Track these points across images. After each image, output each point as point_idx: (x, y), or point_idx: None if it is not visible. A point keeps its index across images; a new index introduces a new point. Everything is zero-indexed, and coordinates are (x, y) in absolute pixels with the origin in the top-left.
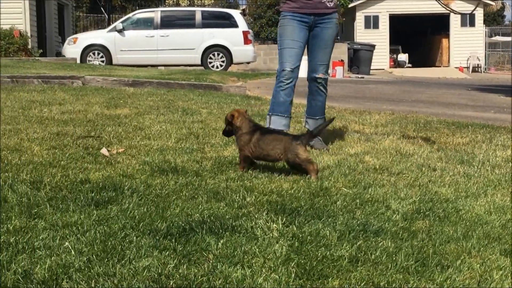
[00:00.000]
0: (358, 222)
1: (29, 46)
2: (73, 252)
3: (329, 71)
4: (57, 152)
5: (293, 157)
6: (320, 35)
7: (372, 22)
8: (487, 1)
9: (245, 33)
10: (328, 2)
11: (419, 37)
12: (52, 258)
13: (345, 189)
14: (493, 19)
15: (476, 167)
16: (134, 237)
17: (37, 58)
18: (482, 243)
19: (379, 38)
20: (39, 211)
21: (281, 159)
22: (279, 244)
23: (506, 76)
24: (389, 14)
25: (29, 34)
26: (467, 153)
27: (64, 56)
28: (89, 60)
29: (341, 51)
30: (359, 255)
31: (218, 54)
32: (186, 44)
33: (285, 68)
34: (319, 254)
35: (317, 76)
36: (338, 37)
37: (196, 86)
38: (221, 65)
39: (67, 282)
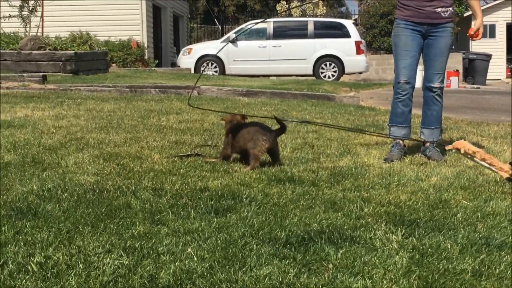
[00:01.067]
0: (480, 235)
1: (146, 57)
2: (195, 258)
3: (444, 80)
4: (176, 160)
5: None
6: (435, 44)
7: (488, 31)
8: None
9: (357, 43)
10: (443, 12)
11: None
12: (176, 263)
13: (465, 202)
14: None
15: None
16: (254, 245)
17: (153, 68)
18: None
19: (496, 48)
20: (161, 218)
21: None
22: (399, 256)
23: None
24: (507, 23)
25: (145, 45)
26: None
27: (179, 66)
28: (202, 70)
29: (455, 61)
30: (483, 269)
31: (330, 64)
32: (298, 54)
33: (400, 80)
34: (441, 267)
35: (432, 85)
36: (453, 47)
37: (309, 96)
38: (333, 75)
39: (191, 287)
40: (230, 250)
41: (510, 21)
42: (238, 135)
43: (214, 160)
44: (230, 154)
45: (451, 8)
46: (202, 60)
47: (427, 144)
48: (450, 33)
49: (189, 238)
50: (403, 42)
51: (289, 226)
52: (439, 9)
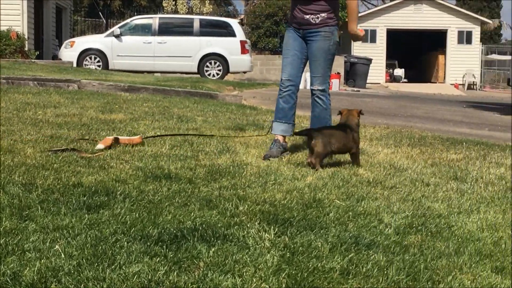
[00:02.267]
0: (350, 234)
1: (26, 48)
2: (63, 256)
3: (325, 83)
4: (50, 154)
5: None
6: (310, 48)
7: (369, 36)
8: (484, 19)
9: (242, 43)
10: (313, 18)
11: (415, 53)
12: (42, 261)
13: (338, 201)
14: (490, 37)
15: (469, 183)
16: (125, 242)
17: (33, 60)
18: (474, 259)
19: (376, 52)
20: (30, 213)
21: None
22: (270, 254)
23: (501, 94)
24: (387, 29)
25: (26, 36)
26: (461, 170)
27: (60, 59)
28: (85, 64)
29: (337, 64)
30: (351, 268)
31: (215, 63)
32: (183, 52)
33: (282, 77)
34: (310, 265)
35: (312, 88)
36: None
37: (192, 93)
38: (217, 74)
39: (56, 285)
40: (100, 247)
41: (390, 27)
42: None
43: (90, 155)
44: None
45: (324, 14)
46: (85, 53)
47: None
48: (326, 37)
49: (57, 235)
50: (286, 42)
51: (162, 223)
52: (307, 16)
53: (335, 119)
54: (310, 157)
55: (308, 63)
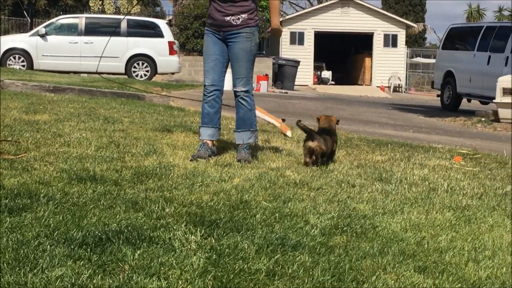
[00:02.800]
0: (277, 236)
1: None
2: None
3: (249, 84)
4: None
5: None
6: (231, 49)
7: (297, 38)
8: (409, 23)
9: (170, 44)
10: (234, 20)
11: (343, 55)
12: None
13: (265, 203)
14: (415, 41)
15: (394, 184)
16: (48, 246)
17: None
18: (397, 259)
19: (304, 55)
20: None
21: None
22: (196, 256)
23: (426, 96)
24: (315, 31)
25: None
26: (386, 171)
27: None
28: (9, 64)
29: (266, 65)
30: (277, 269)
31: (143, 64)
32: (111, 52)
33: (205, 83)
34: (237, 267)
35: (235, 89)
36: (263, 52)
37: (119, 94)
38: (145, 75)
39: None
40: (22, 251)
41: (318, 29)
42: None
43: (12, 157)
44: None
45: (245, 15)
46: (8, 53)
47: (239, 146)
48: (247, 38)
49: None
50: (206, 47)
51: (87, 226)
52: (228, 18)
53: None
54: (307, 157)
55: (230, 65)
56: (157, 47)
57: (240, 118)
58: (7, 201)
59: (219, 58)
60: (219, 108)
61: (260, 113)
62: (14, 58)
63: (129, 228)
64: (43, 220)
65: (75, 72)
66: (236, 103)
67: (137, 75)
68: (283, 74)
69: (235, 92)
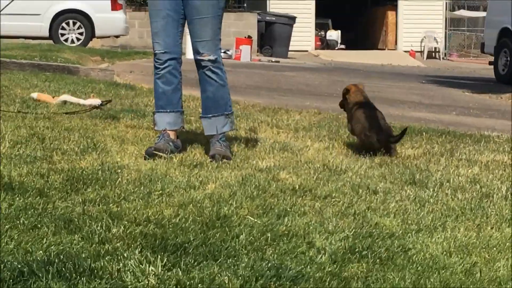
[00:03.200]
0: (269, 264)
1: None
2: None
3: (217, 50)
4: None
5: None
6: (189, 3)
7: None
8: None
9: None
10: None
11: (356, 9)
12: None
13: (252, 218)
14: None
15: (431, 189)
16: None
17: None
18: None
19: (302, 8)
20: None
21: None
22: None
23: (473, 64)
24: None
25: None
26: (420, 170)
27: None
28: None
29: (248, 24)
30: None
31: (74, 23)
32: (28, 8)
33: (155, 50)
34: None
35: (199, 58)
36: (243, 5)
37: (42, 67)
38: (78, 39)
39: None
40: None
41: None
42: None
43: None
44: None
45: None
46: None
47: (211, 139)
48: None
49: None
50: (151, 3)
51: (1, 255)
52: None
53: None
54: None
55: (187, 25)
56: (94, 1)
57: (209, 99)
58: None
59: (171, 15)
60: (178, 83)
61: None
62: None
63: (61, 256)
64: None
65: None
66: (201, 78)
67: (66, 40)
68: (273, 35)
69: (198, 62)
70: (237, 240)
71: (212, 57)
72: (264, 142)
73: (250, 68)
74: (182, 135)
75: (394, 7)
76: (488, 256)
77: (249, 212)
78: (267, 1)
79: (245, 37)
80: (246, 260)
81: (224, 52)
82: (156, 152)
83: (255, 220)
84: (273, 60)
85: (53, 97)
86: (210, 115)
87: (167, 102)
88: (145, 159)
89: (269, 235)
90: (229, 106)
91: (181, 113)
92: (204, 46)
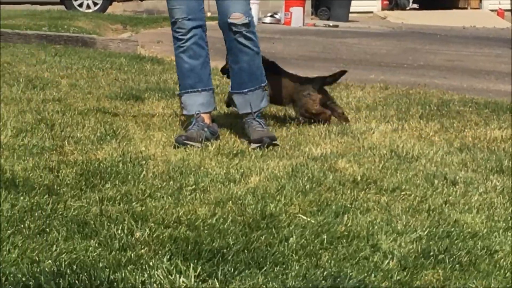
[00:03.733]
0: (325, 273)
1: None
2: None
3: (251, 10)
4: None
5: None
6: None
7: None
8: None
9: None
10: None
11: None
12: None
13: (304, 217)
14: None
15: None
16: None
17: None
18: None
19: None
20: None
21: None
22: None
23: None
24: None
25: None
26: (509, 156)
27: None
28: None
29: None
30: None
31: None
32: None
33: (176, 17)
34: None
35: (230, 20)
36: None
37: (51, 38)
38: (95, 4)
39: None
40: None
41: None
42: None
43: None
44: None
45: None
46: None
47: (246, 118)
48: None
49: None
50: None
51: (3, 265)
52: None
53: None
54: None
55: None
56: None
57: (243, 71)
58: None
59: None
60: (206, 56)
61: None
62: None
63: (74, 267)
64: None
65: None
66: (231, 46)
67: (81, 5)
68: None
69: (228, 26)
70: (286, 243)
71: (246, 20)
72: (319, 125)
73: (303, 35)
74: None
75: None
76: None
77: (301, 210)
78: None
79: None
80: (297, 267)
81: (271, 16)
82: (188, 142)
83: (308, 219)
84: (331, 25)
85: None
86: (246, 90)
87: (197, 79)
88: (175, 148)
89: (324, 237)
90: (264, 76)
91: (213, 91)
92: (235, 4)
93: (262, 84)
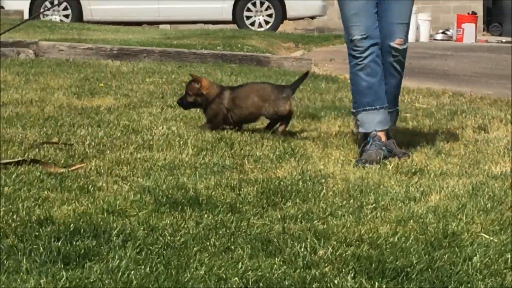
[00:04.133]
0: None
1: None
2: None
3: (408, 36)
4: None
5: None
6: None
7: None
8: None
9: None
10: None
11: None
12: None
13: (486, 236)
14: None
15: None
16: None
17: None
18: None
19: None
20: None
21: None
22: None
23: None
24: None
25: None
26: None
27: (2, 7)
28: (44, 15)
29: None
30: None
31: (262, 4)
32: None
33: (352, 35)
34: None
35: (392, 44)
36: None
37: (226, 57)
38: (266, 22)
39: None
40: None
41: None
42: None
43: (62, 170)
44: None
45: None
46: None
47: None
48: None
49: None
50: None
51: (191, 282)
52: None
53: None
54: None
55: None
56: None
57: (388, 93)
58: (59, 243)
59: None
60: (382, 74)
61: None
62: (52, 3)
63: (260, 284)
64: (119, 274)
65: (150, 23)
66: (386, 67)
67: (252, 24)
68: (503, 9)
69: (390, 49)
70: (469, 262)
71: (405, 45)
72: (497, 143)
73: (476, 51)
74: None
75: None
76: None
77: (483, 229)
78: None
79: (469, 13)
80: (482, 287)
81: (443, 33)
82: (369, 165)
83: (491, 238)
84: (504, 41)
85: None
86: (391, 109)
87: (375, 97)
88: (353, 166)
89: (508, 256)
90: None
91: (386, 108)
92: (402, 30)
93: (395, 108)
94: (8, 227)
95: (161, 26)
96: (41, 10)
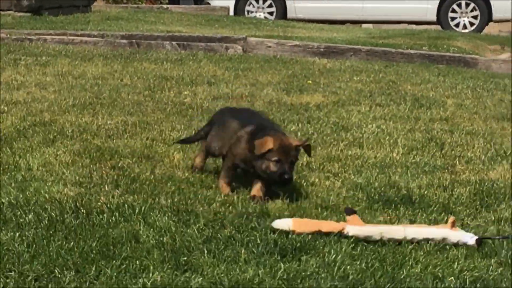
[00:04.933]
0: None
1: None
2: None
3: None
4: (210, 160)
5: None
6: None
7: None
8: None
9: None
10: None
11: None
12: None
13: None
14: None
15: None
16: None
17: (165, 6)
18: None
19: None
20: (190, 260)
21: None
22: None
23: None
24: None
25: None
26: None
27: (208, 3)
28: (249, 11)
29: None
30: None
31: (467, 5)
32: None
33: None
34: None
35: None
36: None
37: (433, 58)
38: (471, 24)
39: None
40: None
41: None
42: None
43: None
44: None
45: None
46: None
47: None
48: None
49: None
50: None
51: (407, 280)
52: None
53: None
54: None
55: None
56: None
57: None
58: (275, 235)
59: None
60: None
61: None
62: (257, 1)
63: (477, 285)
64: (336, 268)
65: (353, 22)
66: None
67: (457, 25)
68: None
69: None
70: None
71: None
72: None
73: None
74: None
75: None
76: None
77: None
78: None
79: None
80: None
81: None
82: None
83: None
84: None
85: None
86: None
87: None
88: None
89: None
90: None
91: None
92: None
93: None
94: (225, 218)
95: (363, 25)
96: (246, 8)
